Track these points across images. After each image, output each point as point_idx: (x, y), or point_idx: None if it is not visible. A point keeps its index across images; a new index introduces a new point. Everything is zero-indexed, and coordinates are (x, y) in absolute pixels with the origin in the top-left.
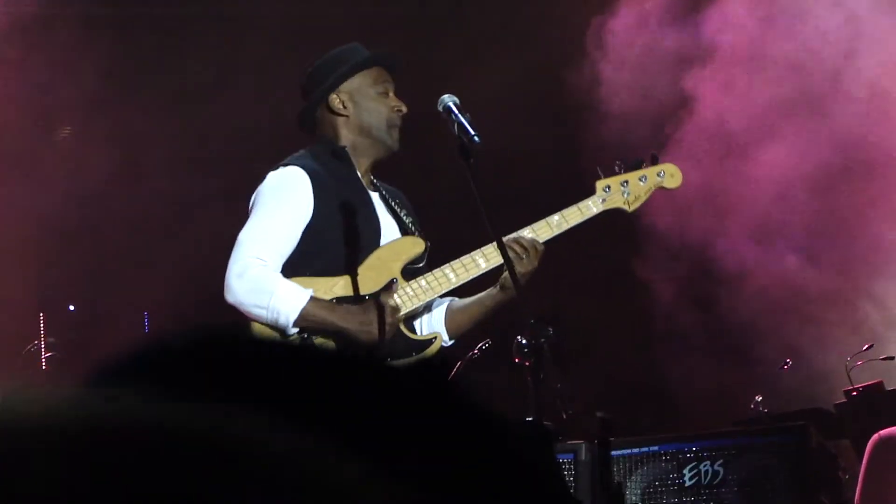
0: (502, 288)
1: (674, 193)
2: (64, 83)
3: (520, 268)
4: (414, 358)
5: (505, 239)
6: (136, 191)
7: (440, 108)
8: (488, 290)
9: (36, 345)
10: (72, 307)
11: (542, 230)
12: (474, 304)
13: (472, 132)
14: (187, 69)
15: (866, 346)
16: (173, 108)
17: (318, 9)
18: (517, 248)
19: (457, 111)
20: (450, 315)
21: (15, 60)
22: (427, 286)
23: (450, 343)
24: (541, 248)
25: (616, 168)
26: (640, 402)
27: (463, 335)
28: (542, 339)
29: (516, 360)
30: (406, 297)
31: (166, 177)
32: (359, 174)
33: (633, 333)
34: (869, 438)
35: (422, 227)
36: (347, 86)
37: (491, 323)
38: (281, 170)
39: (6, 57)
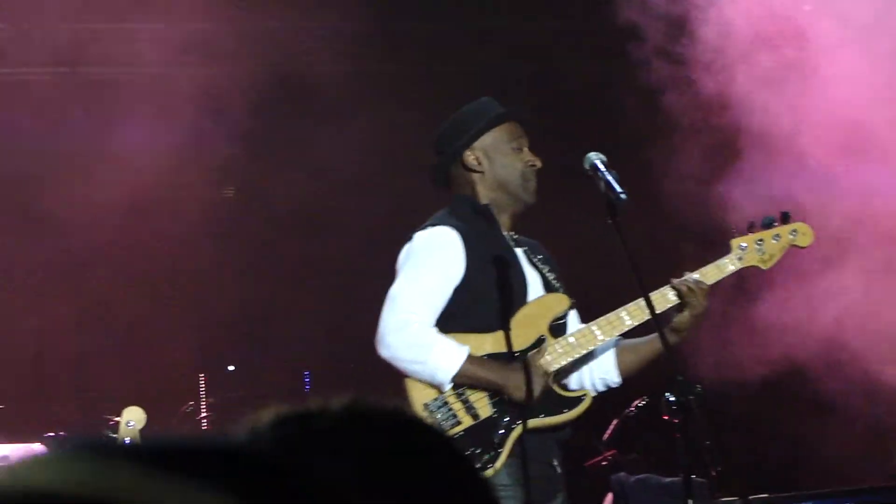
0: (674, 330)
1: None
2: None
3: (691, 311)
4: (565, 415)
5: (666, 287)
6: (298, 254)
7: (586, 167)
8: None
9: (192, 406)
10: (231, 367)
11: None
12: (644, 344)
13: (619, 189)
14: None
15: None
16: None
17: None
18: (684, 290)
19: (603, 169)
20: (620, 355)
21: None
22: (576, 343)
23: (618, 383)
24: (705, 286)
25: (749, 226)
26: (795, 457)
27: (623, 389)
28: (691, 397)
29: (665, 418)
30: (556, 355)
31: (328, 235)
32: (503, 231)
33: (790, 387)
34: None
35: (563, 280)
36: (482, 142)
37: (645, 379)
38: (430, 230)
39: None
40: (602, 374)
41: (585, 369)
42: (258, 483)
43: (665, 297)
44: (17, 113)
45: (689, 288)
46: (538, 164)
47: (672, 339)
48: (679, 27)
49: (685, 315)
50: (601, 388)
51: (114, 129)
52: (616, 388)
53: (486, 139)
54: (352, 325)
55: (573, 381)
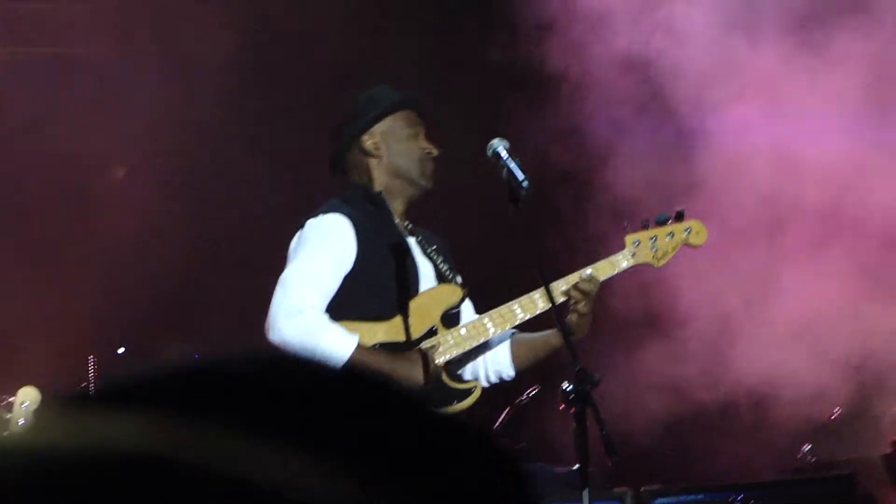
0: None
1: None
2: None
3: (583, 309)
4: (455, 406)
5: (559, 285)
6: (190, 234)
7: (489, 153)
8: (555, 329)
9: (85, 387)
10: (122, 350)
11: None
12: (540, 339)
13: (522, 177)
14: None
15: None
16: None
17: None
18: (575, 292)
19: (507, 156)
20: (515, 349)
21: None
22: (467, 335)
23: (512, 376)
24: (597, 282)
25: (643, 223)
26: (683, 449)
27: (517, 379)
28: (588, 386)
29: (562, 407)
30: (447, 346)
31: (218, 220)
32: (395, 219)
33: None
34: None
35: (459, 271)
36: (379, 128)
37: (540, 369)
38: (322, 217)
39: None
40: (496, 366)
41: (480, 360)
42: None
43: (557, 292)
44: None
45: (583, 282)
46: (435, 151)
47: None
48: None
49: (574, 312)
50: (494, 379)
51: None
52: (509, 380)
53: (384, 125)
54: (242, 311)
55: (468, 371)
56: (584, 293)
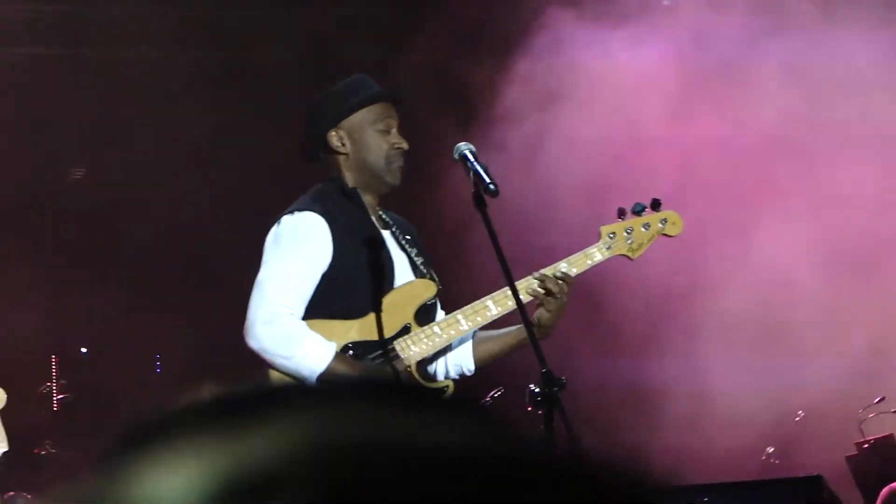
0: (538, 325)
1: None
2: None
3: (551, 306)
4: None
5: (530, 278)
6: (148, 232)
7: (455, 156)
8: (518, 327)
9: (48, 386)
10: (84, 350)
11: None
12: (503, 335)
13: (489, 180)
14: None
15: (878, 399)
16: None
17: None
18: (548, 286)
19: (473, 159)
20: (477, 344)
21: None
22: (440, 332)
23: (472, 371)
24: (571, 279)
25: (618, 213)
26: (650, 451)
27: (479, 379)
28: (555, 388)
29: (529, 409)
30: (420, 344)
31: (178, 218)
32: (370, 213)
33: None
34: (880, 491)
35: (432, 263)
36: (348, 122)
37: (504, 371)
38: (297, 214)
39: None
40: (457, 360)
41: (440, 355)
42: None
43: (528, 290)
44: None
45: (552, 281)
46: (405, 146)
47: (535, 332)
48: None
49: (546, 308)
50: (454, 375)
51: None
52: (469, 376)
53: (354, 119)
54: (199, 311)
55: (430, 366)
56: (550, 292)
